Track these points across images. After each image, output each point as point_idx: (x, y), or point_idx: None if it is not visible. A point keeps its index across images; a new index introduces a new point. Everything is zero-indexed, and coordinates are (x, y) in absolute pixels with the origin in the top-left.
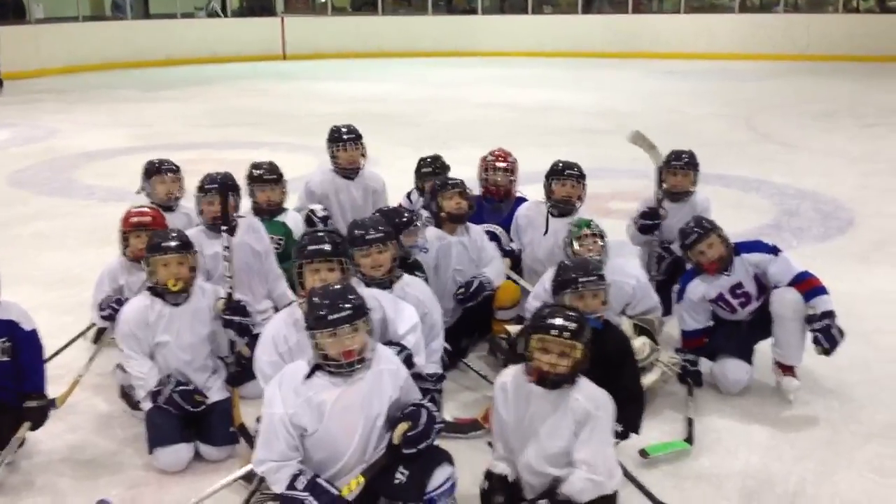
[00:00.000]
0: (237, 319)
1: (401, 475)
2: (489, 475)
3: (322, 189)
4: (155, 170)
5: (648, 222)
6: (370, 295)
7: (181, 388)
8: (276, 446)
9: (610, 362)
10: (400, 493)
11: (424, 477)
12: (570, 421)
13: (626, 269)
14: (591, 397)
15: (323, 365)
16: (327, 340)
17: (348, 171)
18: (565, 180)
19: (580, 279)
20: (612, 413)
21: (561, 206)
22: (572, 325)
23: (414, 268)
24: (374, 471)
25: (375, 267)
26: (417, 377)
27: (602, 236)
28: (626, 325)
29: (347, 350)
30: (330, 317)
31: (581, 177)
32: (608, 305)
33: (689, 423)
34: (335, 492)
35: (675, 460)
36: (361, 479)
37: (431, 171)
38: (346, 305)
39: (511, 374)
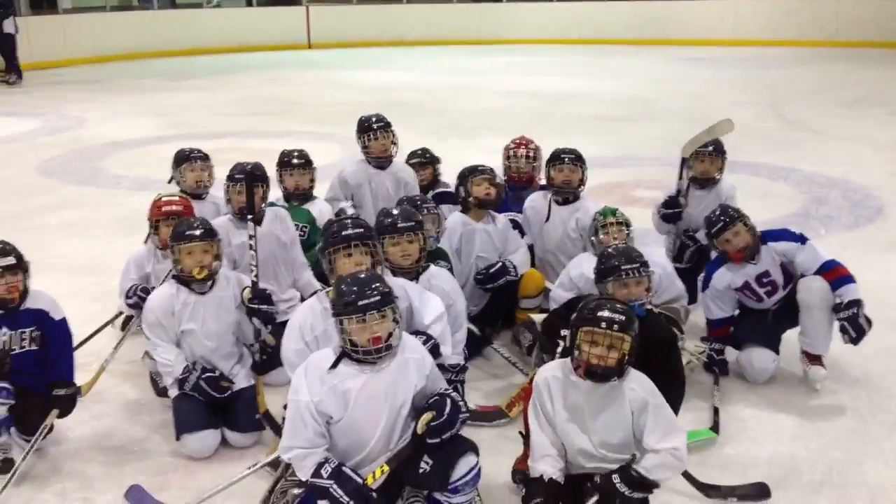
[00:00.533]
0: (263, 308)
1: (425, 464)
2: (526, 480)
3: (355, 179)
4: (185, 157)
5: (670, 211)
6: (397, 284)
7: (207, 374)
8: (302, 433)
9: (654, 349)
10: (424, 482)
11: (448, 467)
12: (627, 412)
13: (652, 257)
14: (644, 386)
15: (349, 352)
16: (355, 326)
17: (380, 161)
18: (562, 165)
19: (623, 266)
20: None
21: (563, 192)
22: (621, 318)
23: (438, 256)
24: (398, 460)
25: (405, 256)
26: (440, 367)
27: (627, 225)
28: None
29: (375, 336)
30: (359, 302)
31: (577, 160)
32: (652, 293)
33: (715, 412)
34: (360, 480)
35: (701, 449)
36: (386, 468)
37: (419, 162)
38: (375, 291)
39: (553, 369)
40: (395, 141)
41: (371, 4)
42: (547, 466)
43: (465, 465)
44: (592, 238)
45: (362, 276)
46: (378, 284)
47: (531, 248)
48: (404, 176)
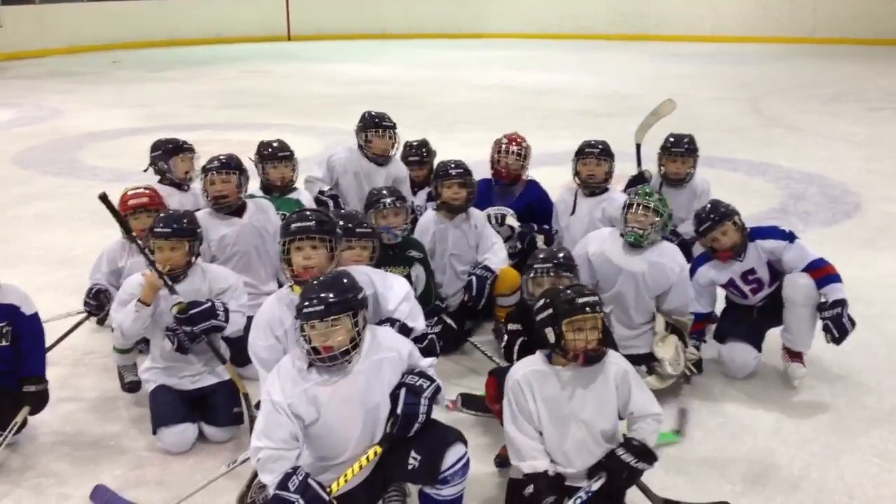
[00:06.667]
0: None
1: (413, 460)
2: (531, 477)
3: (343, 167)
4: (177, 149)
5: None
6: (361, 272)
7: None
8: (277, 433)
9: None
10: (413, 477)
11: (438, 458)
12: (612, 388)
13: (676, 256)
14: (620, 357)
15: (312, 357)
16: (311, 333)
17: (378, 158)
18: (587, 159)
19: (536, 265)
20: None
21: (588, 185)
22: (595, 299)
23: (410, 245)
24: (387, 442)
25: (358, 260)
26: None
27: (656, 211)
28: (659, 324)
29: (325, 345)
30: (306, 309)
31: (604, 154)
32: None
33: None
34: (325, 496)
35: (680, 444)
36: (378, 449)
37: (418, 161)
38: (327, 299)
39: (526, 368)
40: (396, 143)
41: None
42: (542, 462)
43: (453, 455)
44: (622, 217)
45: (325, 279)
46: (336, 289)
47: (553, 234)
48: (396, 171)
